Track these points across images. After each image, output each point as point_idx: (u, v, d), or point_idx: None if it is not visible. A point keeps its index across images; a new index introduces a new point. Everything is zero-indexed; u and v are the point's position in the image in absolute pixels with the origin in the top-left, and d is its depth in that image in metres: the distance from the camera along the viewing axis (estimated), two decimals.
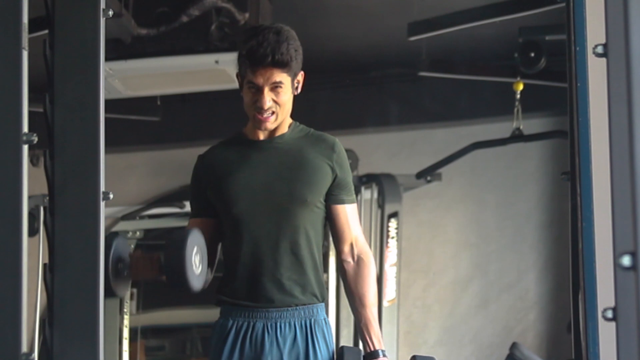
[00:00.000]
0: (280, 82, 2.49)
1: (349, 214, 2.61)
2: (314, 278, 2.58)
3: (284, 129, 2.60)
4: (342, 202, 2.60)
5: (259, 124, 2.53)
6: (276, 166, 2.56)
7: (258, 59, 2.45)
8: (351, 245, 2.61)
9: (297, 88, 2.57)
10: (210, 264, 2.63)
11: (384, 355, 2.58)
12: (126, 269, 2.54)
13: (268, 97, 2.49)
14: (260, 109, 2.50)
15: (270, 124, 2.54)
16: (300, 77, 2.56)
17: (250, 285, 2.55)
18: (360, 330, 2.61)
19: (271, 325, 2.54)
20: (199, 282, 2.48)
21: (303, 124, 2.66)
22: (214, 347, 2.60)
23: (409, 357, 2.58)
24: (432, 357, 2.55)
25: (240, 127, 2.68)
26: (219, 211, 2.60)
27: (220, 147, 2.66)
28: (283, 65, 2.47)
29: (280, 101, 2.51)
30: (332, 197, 2.59)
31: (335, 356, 2.60)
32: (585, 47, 2.76)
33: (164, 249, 2.47)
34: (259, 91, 2.49)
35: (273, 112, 2.52)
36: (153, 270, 2.55)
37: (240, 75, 2.55)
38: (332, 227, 2.63)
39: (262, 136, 2.59)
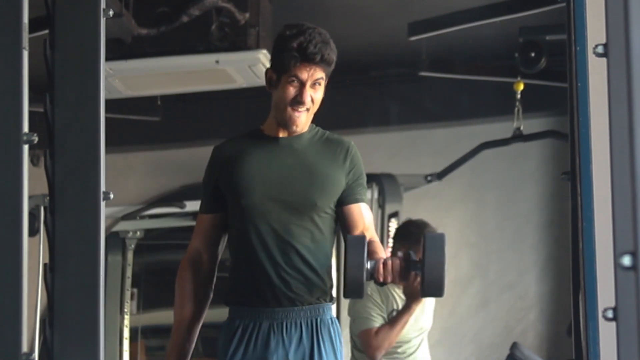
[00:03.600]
0: (321, 78, 2.56)
1: (364, 210, 2.63)
2: (321, 279, 2.58)
3: (304, 129, 2.62)
4: (356, 201, 2.62)
5: (292, 120, 2.57)
6: (291, 165, 2.58)
7: (308, 55, 2.51)
8: (362, 232, 2.59)
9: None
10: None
11: None
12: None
13: (308, 93, 2.55)
14: (298, 104, 2.55)
15: (302, 121, 2.58)
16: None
17: (257, 284, 2.55)
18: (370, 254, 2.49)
19: (277, 324, 2.54)
20: None
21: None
22: (221, 347, 2.59)
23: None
24: (441, 233, 2.40)
25: (240, 126, 2.68)
26: (228, 202, 2.61)
27: (237, 140, 2.67)
28: (327, 64, 2.56)
29: (316, 99, 2.57)
30: (346, 199, 2.61)
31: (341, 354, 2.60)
32: (586, 47, 2.76)
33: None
34: (302, 86, 2.54)
35: (307, 109, 2.57)
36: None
37: (276, 71, 2.58)
38: (345, 222, 2.62)
39: (281, 134, 2.62)
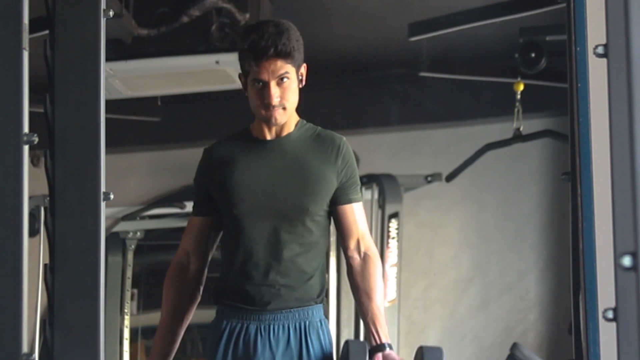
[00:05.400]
0: (286, 73, 2.44)
1: (357, 212, 2.58)
2: (311, 283, 2.55)
3: (291, 128, 2.56)
4: (349, 201, 2.57)
5: (269, 118, 2.48)
6: (280, 170, 2.53)
7: (261, 51, 2.41)
8: (357, 241, 2.57)
9: (301, 81, 2.52)
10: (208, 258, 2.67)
11: (390, 349, 2.49)
12: None
13: (275, 92, 2.44)
14: (268, 106, 2.45)
15: (280, 117, 2.48)
16: (304, 69, 2.52)
17: (245, 288, 2.53)
18: (367, 324, 2.53)
19: (264, 327, 2.52)
20: None
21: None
22: (209, 348, 2.59)
23: (416, 349, 2.51)
24: (439, 348, 2.44)
25: (240, 127, 2.67)
26: (220, 207, 2.60)
27: (226, 143, 2.62)
28: (286, 55, 2.42)
29: (286, 96, 2.46)
30: (339, 199, 2.56)
31: (335, 354, 2.59)
32: (586, 47, 2.76)
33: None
34: (265, 87, 2.44)
35: (284, 108, 2.47)
36: None
37: (243, 75, 2.50)
38: (339, 225, 2.59)
39: (268, 136, 2.55)
